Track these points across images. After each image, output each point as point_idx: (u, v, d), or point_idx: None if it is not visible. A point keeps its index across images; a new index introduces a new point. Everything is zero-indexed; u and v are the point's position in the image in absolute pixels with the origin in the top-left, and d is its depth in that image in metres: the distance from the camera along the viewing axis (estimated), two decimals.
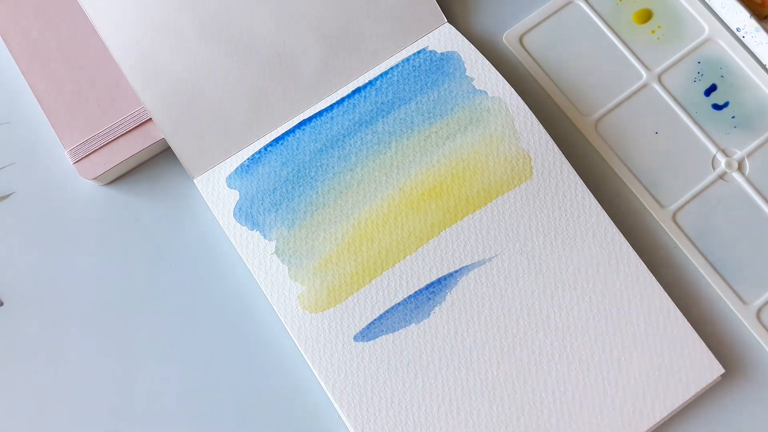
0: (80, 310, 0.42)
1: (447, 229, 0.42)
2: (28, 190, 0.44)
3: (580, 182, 0.42)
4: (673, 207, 0.44)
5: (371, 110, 0.44)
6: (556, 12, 0.47)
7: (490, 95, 0.44)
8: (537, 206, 0.42)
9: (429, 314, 0.40)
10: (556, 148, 0.43)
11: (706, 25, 0.47)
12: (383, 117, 0.44)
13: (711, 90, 0.46)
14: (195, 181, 0.43)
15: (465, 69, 0.44)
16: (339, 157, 0.43)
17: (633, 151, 0.45)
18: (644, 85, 0.46)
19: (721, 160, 0.44)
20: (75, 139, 0.43)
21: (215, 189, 0.43)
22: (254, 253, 0.41)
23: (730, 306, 0.42)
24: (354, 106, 0.44)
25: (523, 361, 0.40)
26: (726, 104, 0.46)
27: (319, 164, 0.43)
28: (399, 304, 0.40)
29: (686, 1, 0.47)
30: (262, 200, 0.42)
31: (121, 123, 0.43)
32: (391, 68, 0.45)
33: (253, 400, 0.41)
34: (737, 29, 0.46)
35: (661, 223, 0.43)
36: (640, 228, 0.43)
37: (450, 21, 0.46)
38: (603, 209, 0.42)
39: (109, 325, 0.42)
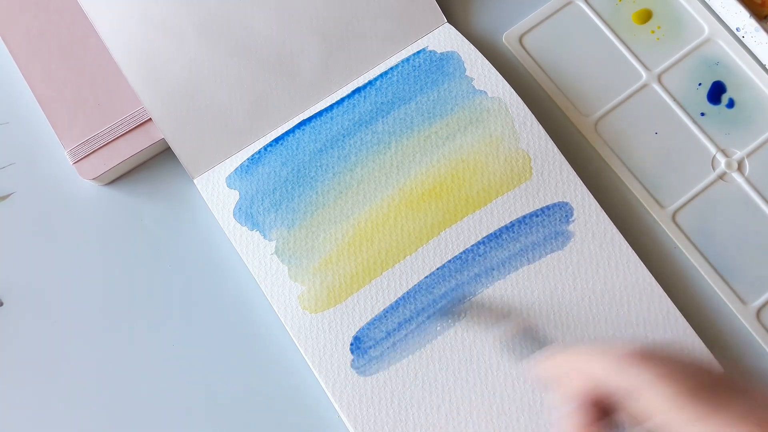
0: (80, 310, 0.42)
1: (447, 229, 0.42)
2: (28, 190, 0.44)
3: (580, 182, 0.42)
4: (673, 207, 0.44)
5: (371, 110, 0.44)
6: (556, 12, 0.47)
7: (489, 95, 0.44)
8: (537, 206, 0.42)
9: None
10: (556, 148, 0.43)
11: (706, 25, 0.47)
12: (383, 117, 0.44)
13: (711, 90, 0.46)
14: (195, 181, 0.43)
15: (465, 69, 0.44)
16: (339, 157, 0.43)
17: (633, 151, 0.45)
18: (644, 85, 0.46)
19: (721, 160, 0.44)
20: (75, 139, 0.43)
21: (215, 189, 0.43)
22: (254, 253, 0.41)
23: (730, 306, 0.42)
24: (354, 106, 0.44)
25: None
26: (726, 104, 0.46)
27: (319, 164, 0.43)
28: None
29: (686, 1, 0.47)
30: (262, 200, 0.42)
31: (121, 123, 0.43)
32: (391, 68, 0.45)
33: (253, 400, 0.41)
34: (737, 29, 0.46)
35: (660, 223, 0.43)
36: (640, 228, 0.43)
37: (450, 21, 0.46)
38: (603, 209, 0.42)
39: (108, 325, 0.42)
